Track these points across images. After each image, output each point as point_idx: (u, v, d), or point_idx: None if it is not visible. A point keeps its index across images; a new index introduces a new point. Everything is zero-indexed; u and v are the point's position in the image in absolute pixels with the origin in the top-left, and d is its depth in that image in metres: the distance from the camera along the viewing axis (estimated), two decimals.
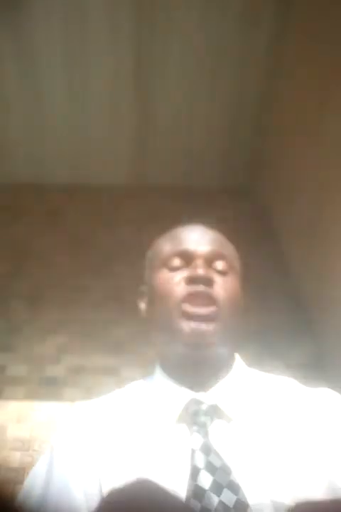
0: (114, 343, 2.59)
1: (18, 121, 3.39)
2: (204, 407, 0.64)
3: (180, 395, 0.66)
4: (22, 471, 2.03)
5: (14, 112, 3.36)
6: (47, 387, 2.39)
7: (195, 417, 0.64)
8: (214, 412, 0.64)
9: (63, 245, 3.17)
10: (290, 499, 0.55)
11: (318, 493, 0.57)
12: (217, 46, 3.10)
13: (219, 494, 0.55)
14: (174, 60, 3.17)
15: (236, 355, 0.74)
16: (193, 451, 0.60)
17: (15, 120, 3.39)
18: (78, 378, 2.43)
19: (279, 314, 2.73)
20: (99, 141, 3.48)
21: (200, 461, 0.59)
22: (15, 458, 2.10)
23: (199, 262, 0.70)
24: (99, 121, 3.40)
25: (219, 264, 0.71)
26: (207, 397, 0.66)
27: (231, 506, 0.54)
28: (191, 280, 0.68)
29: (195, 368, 0.67)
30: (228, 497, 0.55)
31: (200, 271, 0.68)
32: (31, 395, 2.35)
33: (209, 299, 0.67)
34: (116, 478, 0.60)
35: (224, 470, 0.58)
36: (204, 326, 0.65)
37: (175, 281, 0.69)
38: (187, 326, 0.65)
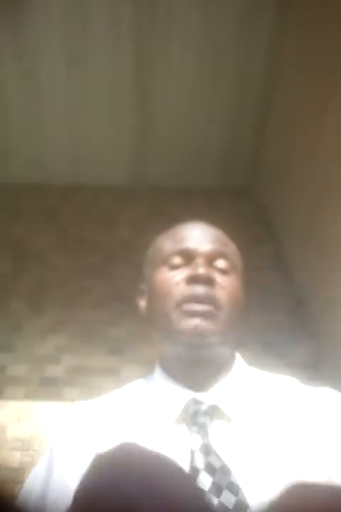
0: (114, 343, 2.59)
1: (18, 121, 3.39)
2: (203, 407, 0.64)
3: (180, 395, 0.66)
4: (22, 471, 2.03)
5: (14, 112, 3.36)
6: (47, 387, 2.39)
7: (195, 418, 0.63)
8: (213, 412, 0.64)
9: (63, 245, 3.17)
10: None
11: None
12: (217, 46, 3.10)
13: (218, 495, 0.55)
14: (174, 60, 3.17)
15: (237, 355, 0.73)
16: (193, 452, 0.60)
17: (15, 120, 3.40)
18: (78, 378, 2.43)
19: (279, 314, 2.73)
20: (99, 141, 3.48)
21: (200, 462, 0.58)
22: (15, 458, 2.10)
23: (200, 260, 0.68)
24: (99, 121, 3.40)
25: (221, 263, 0.70)
26: (207, 397, 0.65)
27: (231, 507, 0.54)
28: (192, 279, 0.67)
29: (195, 368, 0.67)
30: (228, 498, 0.54)
31: (201, 270, 0.67)
32: (31, 395, 2.35)
33: (210, 300, 0.66)
34: None
35: (224, 471, 0.57)
36: (204, 325, 0.64)
37: (175, 281, 0.68)
38: (186, 324, 0.64)
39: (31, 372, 2.46)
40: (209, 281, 0.66)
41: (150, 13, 2.99)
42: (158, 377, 0.71)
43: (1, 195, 3.46)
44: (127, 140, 3.52)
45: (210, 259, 0.70)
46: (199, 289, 0.66)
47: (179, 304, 0.66)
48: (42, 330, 2.64)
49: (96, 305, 2.79)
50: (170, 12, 2.98)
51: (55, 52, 3.12)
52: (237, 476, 0.57)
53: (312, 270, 2.67)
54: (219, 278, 0.68)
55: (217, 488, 0.55)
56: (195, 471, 0.57)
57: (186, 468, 0.59)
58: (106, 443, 0.64)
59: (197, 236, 0.72)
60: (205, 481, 0.56)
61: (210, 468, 0.57)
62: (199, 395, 0.65)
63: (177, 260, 0.70)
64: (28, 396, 2.35)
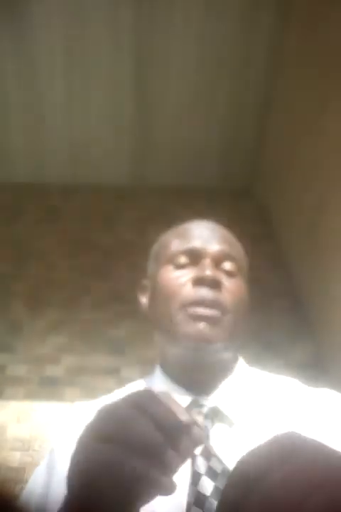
0: (114, 343, 2.59)
1: (18, 121, 3.39)
2: (205, 410, 0.63)
3: (181, 397, 0.65)
4: (22, 471, 2.03)
5: (14, 112, 3.36)
6: (47, 387, 2.39)
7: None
8: (215, 415, 0.63)
9: (63, 245, 3.16)
10: None
11: None
12: (217, 46, 3.10)
13: None
14: (174, 61, 3.17)
15: (239, 356, 0.72)
16: (194, 456, 0.59)
17: (15, 120, 3.39)
18: (78, 378, 2.43)
19: (279, 314, 2.73)
20: (99, 141, 3.48)
21: (201, 466, 0.57)
22: (15, 458, 2.10)
23: (207, 261, 0.67)
24: (99, 121, 3.40)
25: (228, 265, 0.69)
26: (208, 399, 0.64)
27: None
28: (198, 281, 0.65)
29: (197, 371, 0.66)
30: None
31: (208, 272, 0.65)
32: (31, 395, 2.35)
33: (216, 304, 0.64)
34: None
35: (226, 475, 0.56)
36: (208, 330, 0.63)
37: (181, 281, 0.67)
38: (191, 328, 0.63)
39: (31, 372, 2.46)
40: (215, 284, 0.65)
41: (150, 13, 2.98)
42: (159, 378, 0.70)
43: (1, 195, 3.45)
44: (127, 140, 3.52)
45: (217, 261, 0.68)
46: (206, 292, 0.65)
47: (184, 306, 0.65)
48: (42, 330, 2.64)
49: (96, 305, 2.78)
50: (170, 12, 2.98)
51: (55, 52, 3.12)
52: None
53: (312, 270, 2.67)
54: (225, 280, 0.67)
55: (219, 493, 0.55)
56: (196, 475, 0.57)
57: (187, 472, 0.58)
58: None
59: (205, 235, 0.71)
60: (207, 486, 0.55)
61: (212, 473, 0.57)
62: (200, 398, 0.65)
63: (183, 259, 0.69)
64: (28, 396, 2.35)
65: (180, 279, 0.67)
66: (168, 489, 0.41)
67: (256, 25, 3.03)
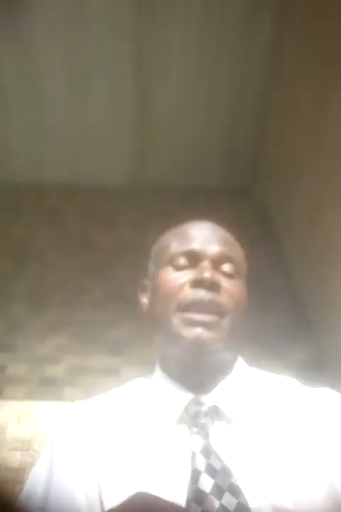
0: (114, 343, 2.59)
1: (18, 121, 3.39)
2: (204, 408, 0.64)
3: (180, 396, 0.66)
4: (22, 471, 2.03)
5: (14, 112, 3.36)
6: (47, 387, 2.39)
7: (196, 419, 0.63)
8: (214, 413, 0.64)
9: (63, 245, 3.17)
10: (290, 502, 0.55)
11: (319, 495, 0.56)
12: (217, 47, 3.10)
13: (220, 498, 0.54)
14: (174, 60, 3.17)
15: (238, 356, 0.73)
16: (194, 453, 0.59)
17: (15, 120, 3.39)
18: (78, 378, 2.43)
19: (279, 314, 2.73)
20: (99, 141, 3.48)
21: (201, 463, 0.58)
22: (15, 458, 2.10)
23: (206, 263, 0.67)
24: (99, 121, 3.40)
25: (226, 267, 0.69)
26: (208, 398, 0.65)
27: (232, 510, 0.54)
28: (196, 283, 0.66)
29: (196, 371, 0.66)
30: (229, 500, 0.54)
31: (206, 274, 0.65)
32: (31, 395, 2.35)
33: (214, 306, 0.65)
34: (115, 479, 0.60)
35: (225, 473, 0.57)
36: (207, 334, 0.63)
37: (180, 283, 0.67)
38: (188, 333, 0.64)
39: (31, 372, 2.46)
40: (214, 287, 0.65)
41: (150, 13, 2.98)
42: (158, 377, 0.71)
43: (1, 195, 3.45)
44: (127, 140, 3.52)
45: (216, 262, 0.69)
46: (204, 294, 0.65)
47: (181, 308, 0.65)
48: (42, 330, 2.64)
49: (96, 305, 2.78)
50: (171, 12, 2.98)
51: (55, 52, 3.12)
52: (238, 478, 0.57)
53: (312, 270, 2.67)
54: (224, 282, 0.67)
55: (218, 491, 0.55)
56: (196, 473, 0.57)
57: (187, 469, 0.58)
58: (106, 443, 0.64)
59: (204, 237, 0.71)
60: (206, 483, 0.56)
61: (211, 470, 0.57)
62: (199, 396, 0.65)
63: (182, 261, 0.69)
64: (28, 396, 2.35)
65: (178, 281, 0.68)
66: None
67: (256, 25, 3.03)
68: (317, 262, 2.60)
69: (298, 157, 2.90)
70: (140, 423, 0.66)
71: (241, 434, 0.62)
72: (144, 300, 0.75)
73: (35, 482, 0.64)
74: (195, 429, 0.62)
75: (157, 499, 0.45)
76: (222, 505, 0.54)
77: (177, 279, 0.68)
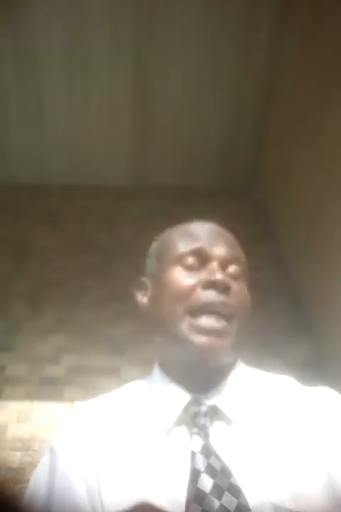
0: (114, 343, 2.59)
1: (18, 121, 3.39)
2: (204, 408, 0.64)
3: (180, 396, 0.66)
4: (22, 471, 2.02)
5: (14, 112, 3.36)
6: (47, 387, 2.39)
7: (195, 419, 0.63)
8: (214, 413, 0.64)
9: (63, 245, 3.17)
10: (290, 502, 0.55)
11: (318, 494, 0.57)
12: (217, 47, 3.10)
13: (219, 498, 0.54)
14: (174, 60, 3.17)
15: (237, 356, 0.73)
16: (193, 453, 0.59)
17: (15, 120, 3.40)
18: (78, 378, 2.43)
19: (279, 314, 2.73)
20: (99, 142, 3.48)
21: (201, 463, 0.58)
22: (15, 458, 2.10)
23: (216, 264, 0.66)
24: (99, 121, 3.40)
25: (233, 268, 0.69)
26: (207, 398, 0.65)
27: (232, 510, 0.54)
28: (209, 285, 0.65)
29: (198, 374, 0.66)
30: (229, 500, 0.54)
31: (219, 276, 0.65)
32: (31, 395, 2.35)
33: (226, 308, 0.64)
34: (115, 480, 0.60)
35: (225, 473, 0.57)
36: (217, 342, 0.63)
37: (191, 284, 0.66)
38: (198, 339, 0.63)
39: (31, 372, 2.46)
40: (225, 289, 0.65)
41: (150, 13, 2.99)
42: (158, 378, 0.71)
43: (1, 195, 3.45)
44: (127, 140, 3.52)
45: (224, 264, 0.68)
46: (216, 297, 0.64)
47: (192, 312, 0.64)
48: (42, 330, 2.64)
49: (96, 305, 2.78)
50: (170, 12, 2.98)
51: (55, 52, 3.12)
52: (238, 478, 0.57)
53: (311, 270, 2.67)
54: (232, 284, 0.67)
55: (218, 491, 0.55)
56: (195, 473, 0.57)
57: (187, 470, 0.58)
58: (106, 444, 0.65)
59: (212, 237, 0.70)
60: (206, 483, 0.56)
61: (211, 470, 0.57)
62: (199, 396, 0.65)
63: (191, 260, 0.68)
64: (28, 396, 2.35)
65: (188, 281, 0.66)
66: None
67: (256, 26, 3.03)
68: (316, 262, 2.60)
69: (297, 157, 2.91)
70: (139, 424, 0.66)
71: (240, 434, 0.62)
72: (143, 299, 0.73)
73: (38, 484, 0.64)
74: (195, 430, 0.62)
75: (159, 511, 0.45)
76: (221, 505, 0.54)
77: (187, 279, 0.67)
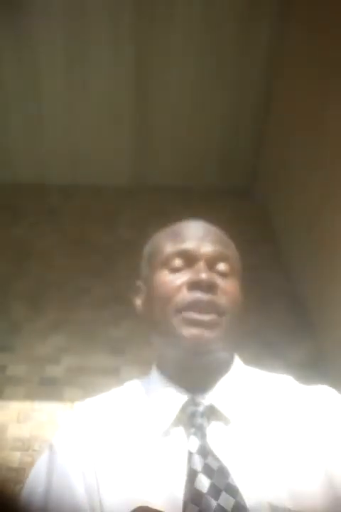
0: (114, 343, 2.59)
1: (18, 121, 3.39)
2: (201, 408, 0.64)
3: (177, 396, 0.66)
4: (22, 471, 2.02)
5: (14, 112, 3.36)
6: (47, 387, 2.39)
7: (192, 419, 0.63)
8: (211, 413, 0.64)
9: (63, 245, 3.17)
10: (288, 501, 0.55)
11: (317, 493, 0.57)
12: (217, 47, 3.10)
13: (217, 498, 0.54)
14: (174, 60, 3.17)
15: (235, 355, 0.73)
16: (190, 453, 0.59)
17: (15, 120, 3.39)
18: (78, 378, 2.43)
19: (279, 314, 2.73)
20: (99, 142, 3.48)
21: (198, 464, 0.58)
22: (15, 458, 2.10)
23: (202, 264, 0.67)
24: (99, 121, 3.40)
25: (222, 266, 0.69)
26: (204, 398, 0.65)
27: (229, 510, 0.53)
28: (193, 285, 0.65)
29: (193, 370, 0.67)
30: (226, 500, 0.54)
31: (203, 276, 0.65)
32: (31, 395, 2.35)
33: (212, 307, 0.65)
34: (113, 480, 0.60)
35: (222, 473, 0.57)
36: (206, 333, 0.63)
37: (177, 285, 0.67)
38: (188, 332, 0.64)
39: (31, 372, 2.46)
40: (211, 288, 0.65)
41: (150, 13, 2.99)
42: (155, 378, 0.71)
43: (1, 195, 3.46)
44: (127, 140, 3.52)
45: (212, 262, 0.68)
46: (201, 296, 0.65)
47: (180, 310, 0.65)
48: (42, 330, 2.64)
49: (96, 305, 2.78)
50: (170, 12, 2.98)
51: (55, 52, 3.12)
52: (235, 478, 0.57)
53: (311, 270, 2.67)
54: (220, 282, 0.67)
55: (216, 491, 0.55)
56: (192, 473, 0.57)
57: (184, 470, 0.59)
58: (104, 443, 0.65)
59: (198, 236, 0.70)
60: (203, 483, 0.56)
61: (208, 470, 0.57)
62: (196, 396, 0.65)
63: (177, 262, 0.69)
64: (28, 396, 2.35)
65: (174, 283, 0.67)
66: None
67: (256, 26, 3.03)
68: (317, 261, 2.60)
69: (297, 157, 2.90)
70: (137, 424, 0.66)
71: (238, 434, 0.62)
72: (138, 302, 0.75)
73: (36, 482, 0.64)
74: (192, 430, 0.62)
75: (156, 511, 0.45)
76: (219, 505, 0.54)
77: (174, 281, 0.67)
